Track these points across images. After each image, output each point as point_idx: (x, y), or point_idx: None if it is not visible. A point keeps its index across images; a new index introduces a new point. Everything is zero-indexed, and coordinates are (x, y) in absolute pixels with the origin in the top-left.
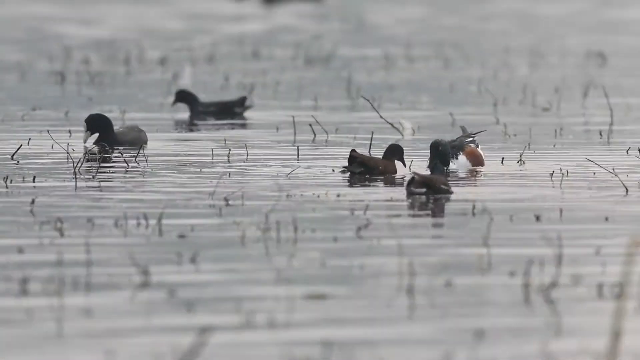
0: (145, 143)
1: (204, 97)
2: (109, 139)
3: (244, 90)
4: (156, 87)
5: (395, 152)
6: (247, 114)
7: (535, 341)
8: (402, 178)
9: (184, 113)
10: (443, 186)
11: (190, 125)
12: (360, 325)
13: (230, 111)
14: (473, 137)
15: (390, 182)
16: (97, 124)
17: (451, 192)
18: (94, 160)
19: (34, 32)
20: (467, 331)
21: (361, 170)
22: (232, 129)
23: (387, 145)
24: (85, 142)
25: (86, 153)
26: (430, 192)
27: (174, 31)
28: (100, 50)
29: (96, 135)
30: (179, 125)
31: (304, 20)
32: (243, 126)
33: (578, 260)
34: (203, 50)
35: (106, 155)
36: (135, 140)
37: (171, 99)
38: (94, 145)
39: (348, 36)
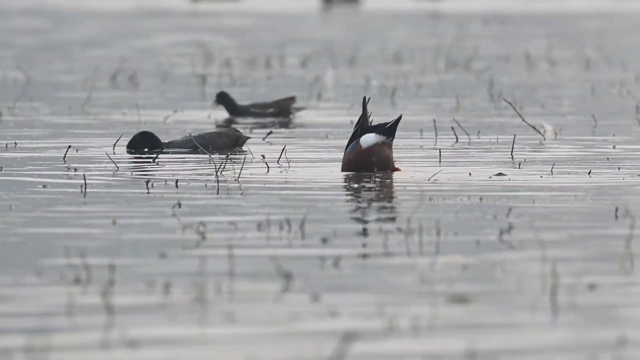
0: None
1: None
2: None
3: (385, 92)
4: (294, 88)
5: None
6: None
7: None
8: None
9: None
10: None
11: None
12: (503, 332)
13: (287, 111)
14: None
15: None
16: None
17: None
18: (235, 162)
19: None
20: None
21: None
22: None
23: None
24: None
25: (227, 156)
26: None
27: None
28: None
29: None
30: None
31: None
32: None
33: None
34: (345, 52)
35: (247, 157)
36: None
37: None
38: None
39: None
